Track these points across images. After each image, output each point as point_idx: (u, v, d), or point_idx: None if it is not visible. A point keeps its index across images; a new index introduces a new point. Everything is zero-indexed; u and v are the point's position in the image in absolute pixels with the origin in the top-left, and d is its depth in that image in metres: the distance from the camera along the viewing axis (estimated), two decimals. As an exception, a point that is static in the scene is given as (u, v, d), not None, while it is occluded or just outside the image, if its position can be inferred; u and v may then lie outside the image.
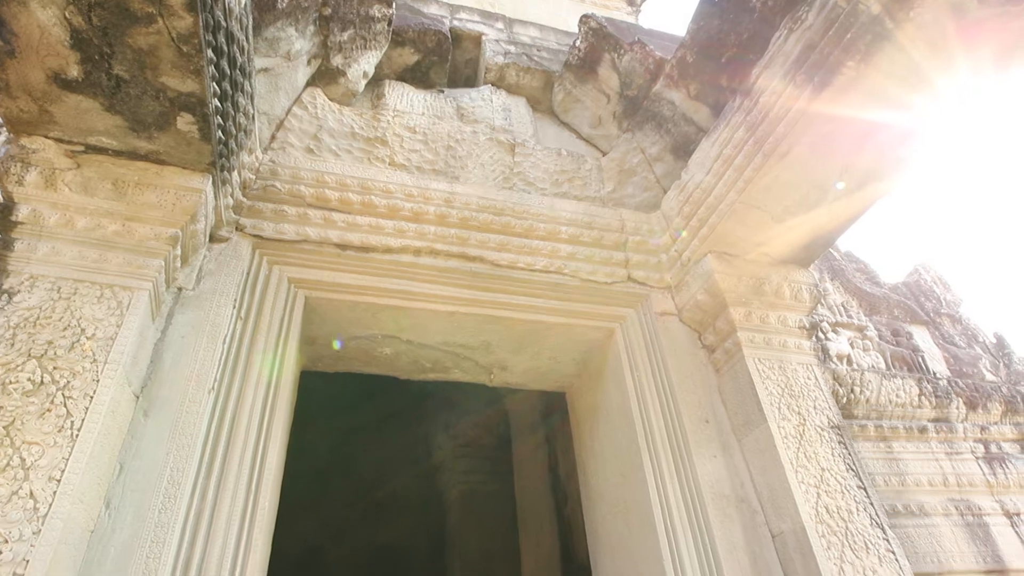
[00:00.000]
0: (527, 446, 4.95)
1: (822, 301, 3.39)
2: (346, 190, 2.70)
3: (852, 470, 2.44)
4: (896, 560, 2.25)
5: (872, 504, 2.37)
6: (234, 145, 2.28)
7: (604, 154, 3.46)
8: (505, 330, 2.79)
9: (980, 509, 3.02)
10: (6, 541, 1.53)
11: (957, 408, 3.28)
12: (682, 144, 2.99)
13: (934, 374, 3.40)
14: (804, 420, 2.51)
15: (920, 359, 3.42)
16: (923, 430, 3.15)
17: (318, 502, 6.64)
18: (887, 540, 2.29)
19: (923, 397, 3.23)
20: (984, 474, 3.15)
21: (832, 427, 2.54)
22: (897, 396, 3.17)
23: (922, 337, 3.57)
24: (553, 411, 4.48)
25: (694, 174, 2.80)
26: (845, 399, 3.05)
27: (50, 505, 1.59)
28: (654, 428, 2.54)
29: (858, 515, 2.30)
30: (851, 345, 3.30)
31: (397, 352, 2.87)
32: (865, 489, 2.40)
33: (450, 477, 5.87)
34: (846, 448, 2.50)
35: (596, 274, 2.94)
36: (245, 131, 2.35)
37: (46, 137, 2.01)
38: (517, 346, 2.90)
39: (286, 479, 2.47)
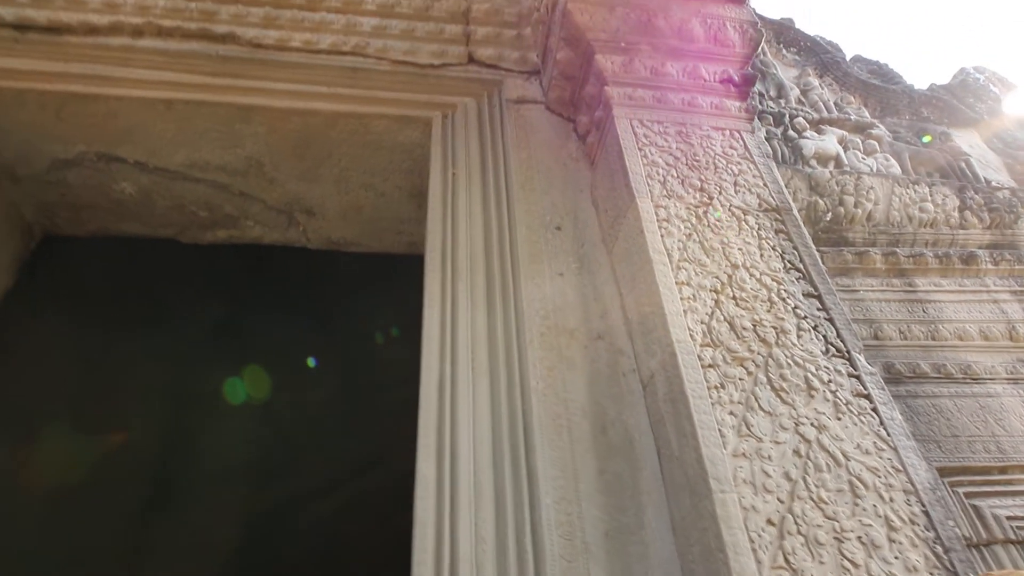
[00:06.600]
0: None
1: (767, 55, 2.24)
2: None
3: (796, 270, 1.36)
4: (877, 415, 1.16)
5: (833, 322, 1.28)
6: None
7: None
8: (267, 131, 1.87)
9: (1077, 374, 1.82)
10: None
11: (1029, 228, 2.07)
12: None
13: (987, 183, 2.18)
14: (710, 198, 1.45)
15: (963, 164, 2.21)
16: (969, 260, 1.97)
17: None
18: (859, 379, 1.20)
19: (967, 212, 2.04)
20: (1082, 322, 1.93)
21: (765, 210, 1.47)
22: (922, 210, 2.00)
23: (968, 140, 2.35)
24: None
25: None
26: (830, 214, 1.92)
27: None
28: (459, 240, 1.56)
29: (795, 336, 1.23)
30: (843, 145, 2.14)
31: (144, 190, 2.01)
32: (820, 298, 1.31)
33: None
34: (790, 241, 1.42)
35: (417, 54, 1.98)
36: None
37: None
38: (303, 165, 1.97)
39: None
